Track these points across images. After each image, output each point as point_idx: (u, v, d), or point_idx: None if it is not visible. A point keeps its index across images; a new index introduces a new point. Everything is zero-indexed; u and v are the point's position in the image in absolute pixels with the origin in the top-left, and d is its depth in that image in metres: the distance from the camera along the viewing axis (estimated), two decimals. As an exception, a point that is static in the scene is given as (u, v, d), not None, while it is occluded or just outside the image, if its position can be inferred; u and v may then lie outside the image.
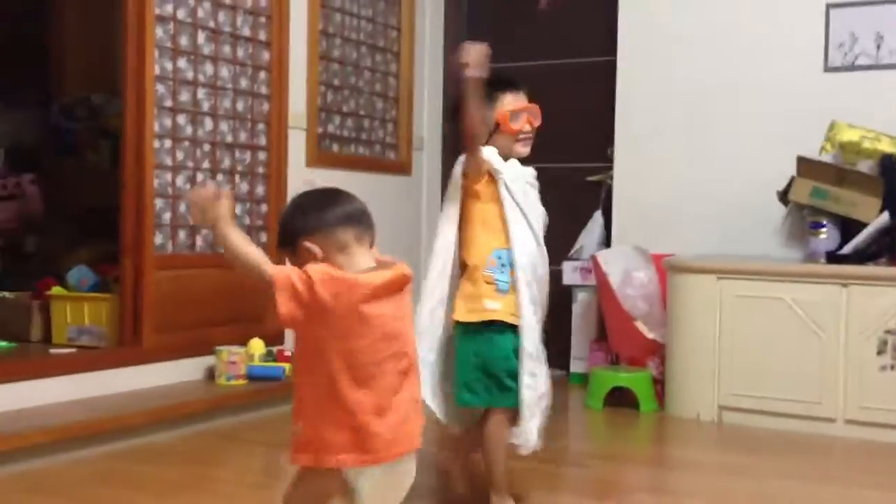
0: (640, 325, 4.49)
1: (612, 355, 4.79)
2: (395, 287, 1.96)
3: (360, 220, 2.00)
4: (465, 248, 2.83)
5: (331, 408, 1.88)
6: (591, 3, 5.31)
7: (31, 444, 3.26)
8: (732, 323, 4.16)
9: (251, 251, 1.89)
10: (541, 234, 2.86)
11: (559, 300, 3.82)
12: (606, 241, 5.09)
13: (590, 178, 5.22)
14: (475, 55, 2.65)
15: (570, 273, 4.99)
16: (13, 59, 5.82)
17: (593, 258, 4.69)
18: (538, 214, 2.88)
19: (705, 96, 4.87)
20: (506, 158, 2.84)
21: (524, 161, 2.90)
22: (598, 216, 5.15)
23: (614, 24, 5.09)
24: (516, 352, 2.75)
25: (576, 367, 5.01)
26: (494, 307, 2.75)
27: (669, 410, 4.36)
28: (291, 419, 1.96)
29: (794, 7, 4.68)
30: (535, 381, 2.76)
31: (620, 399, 4.47)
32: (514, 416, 2.77)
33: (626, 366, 4.66)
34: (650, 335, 4.49)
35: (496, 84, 2.86)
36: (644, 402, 4.44)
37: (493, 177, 2.80)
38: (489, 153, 2.80)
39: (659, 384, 4.49)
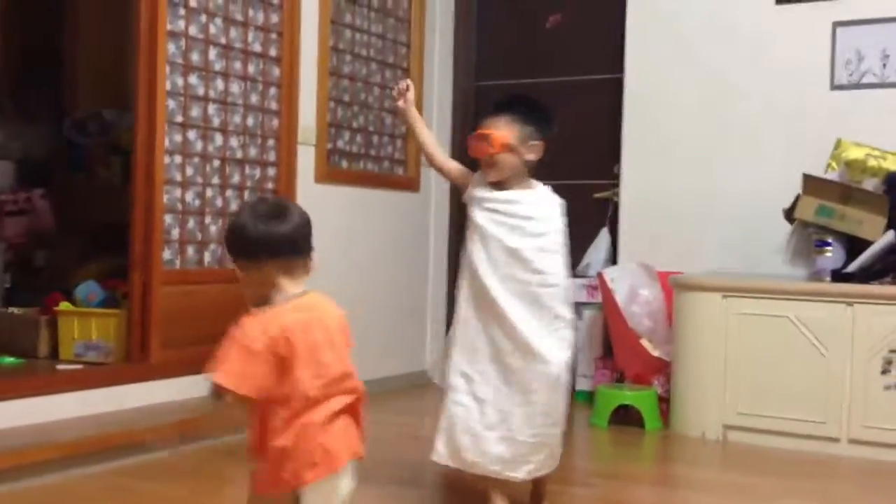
0: (645, 342, 4.50)
1: (617, 373, 4.80)
2: (323, 318, 2.03)
3: (285, 251, 2.03)
4: None
5: (283, 435, 1.97)
6: (598, 22, 5.34)
7: (42, 459, 3.28)
8: (737, 341, 4.16)
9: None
10: (501, 260, 2.86)
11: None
12: (613, 259, 5.11)
13: (597, 195, 5.24)
14: (399, 89, 3.06)
15: (576, 290, 4.99)
16: (26, 74, 5.87)
17: (599, 275, 4.70)
18: (495, 241, 2.88)
19: (711, 114, 4.90)
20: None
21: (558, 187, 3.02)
22: (604, 233, 5.17)
23: (621, 42, 5.12)
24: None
25: (581, 384, 5.00)
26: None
27: (674, 429, 4.36)
28: (249, 457, 2.06)
29: (801, 25, 4.71)
30: (473, 402, 2.88)
31: (626, 417, 4.47)
32: None
33: (631, 384, 4.66)
34: (656, 353, 4.49)
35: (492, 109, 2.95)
36: (649, 421, 4.44)
37: None
38: (476, 177, 2.97)
39: (664, 402, 4.49)
